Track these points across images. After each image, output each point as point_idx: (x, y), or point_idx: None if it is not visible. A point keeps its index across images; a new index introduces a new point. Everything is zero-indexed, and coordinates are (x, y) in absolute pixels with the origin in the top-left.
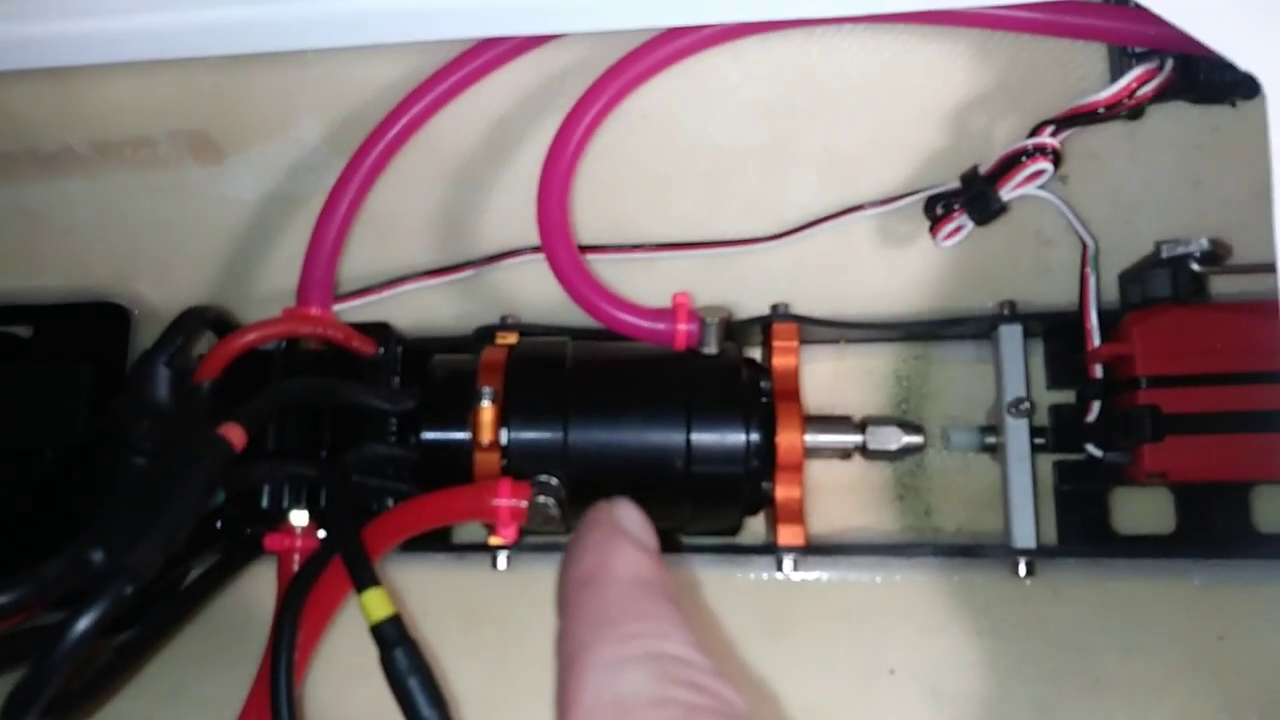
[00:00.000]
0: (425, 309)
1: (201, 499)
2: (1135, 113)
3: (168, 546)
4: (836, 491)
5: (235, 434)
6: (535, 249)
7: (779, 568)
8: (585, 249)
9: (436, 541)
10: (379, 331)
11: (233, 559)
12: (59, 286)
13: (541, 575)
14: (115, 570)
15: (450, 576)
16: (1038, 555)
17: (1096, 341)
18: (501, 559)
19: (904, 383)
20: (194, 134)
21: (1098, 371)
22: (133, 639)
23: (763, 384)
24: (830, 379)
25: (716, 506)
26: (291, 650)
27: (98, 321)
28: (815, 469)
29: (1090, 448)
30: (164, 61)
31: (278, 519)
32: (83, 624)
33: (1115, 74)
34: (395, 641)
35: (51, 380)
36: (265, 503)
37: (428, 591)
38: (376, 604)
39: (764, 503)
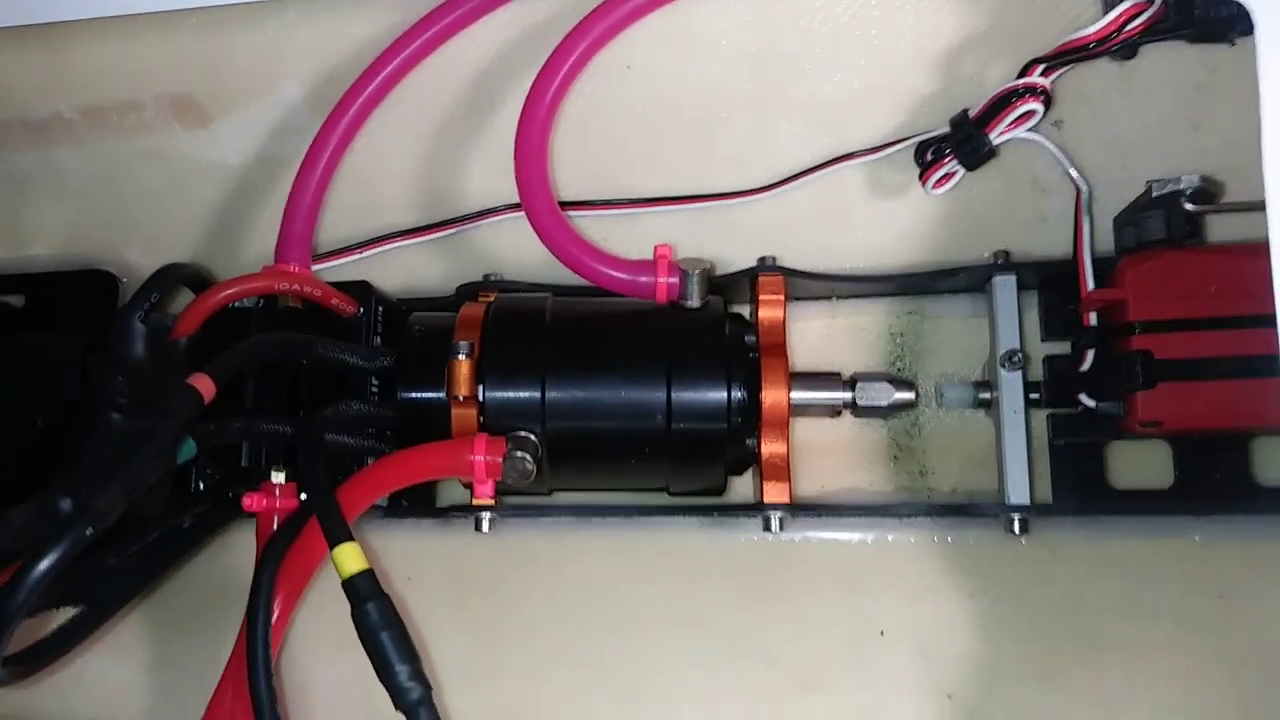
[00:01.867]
0: (408, 269)
1: (168, 447)
2: (1128, 50)
3: (132, 492)
4: (828, 452)
5: (204, 384)
6: (516, 206)
7: (766, 527)
8: (568, 205)
9: (420, 507)
10: (359, 290)
11: (211, 518)
12: (50, 255)
13: (525, 538)
14: (78, 514)
15: (435, 542)
16: (1032, 512)
17: (1090, 287)
18: (485, 521)
19: (898, 340)
20: (179, 97)
21: (1092, 319)
22: (108, 595)
23: (747, 338)
24: (821, 337)
25: (699, 464)
26: (269, 608)
27: (87, 289)
28: (806, 429)
29: (1084, 398)
30: (149, 21)
31: (257, 479)
32: (43, 564)
33: (1108, 11)
34: (367, 596)
35: (41, 349)
36: (244, 462)
37: (413, 558)
38: (348, 559)
39: (749, 461)
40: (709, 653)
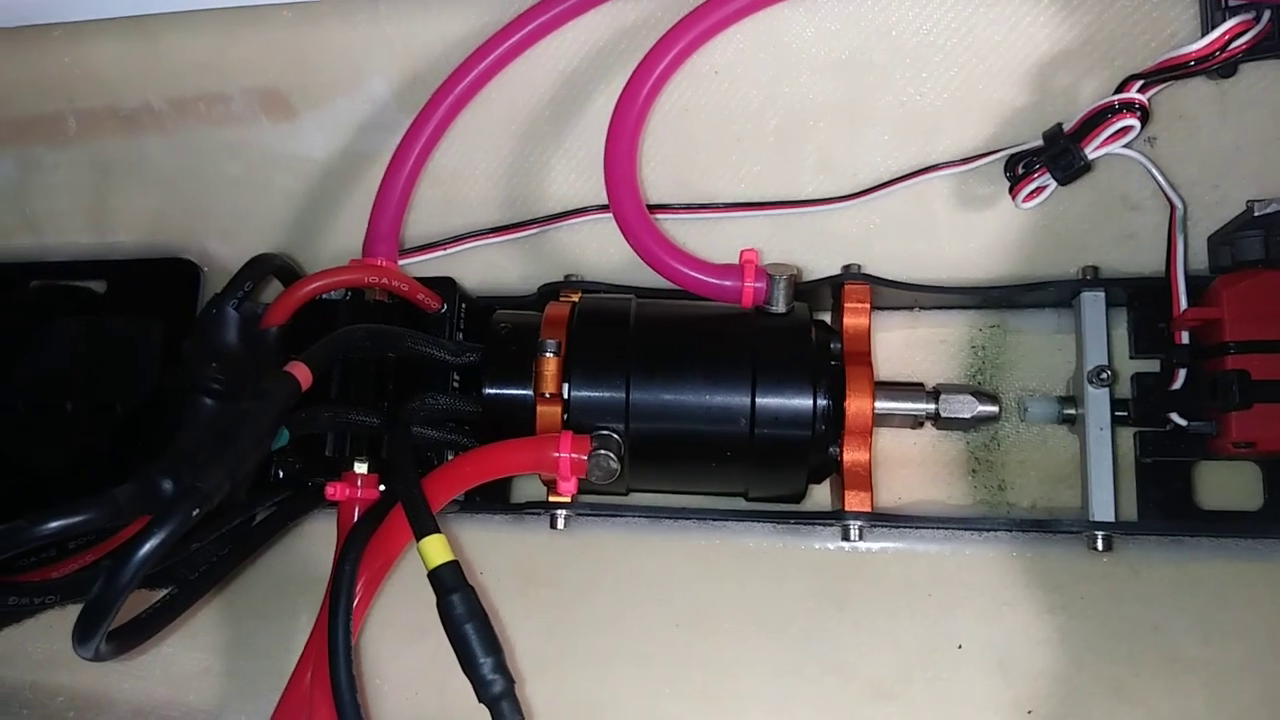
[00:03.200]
0: (490, 267)
1: (268, 433)
2: (1228, 69)
3: (234, 475)
4: (907, 464)
5: (301, 372)
6: (602, 207)
7: (845, 536)
8: (654, 209)
9: (496, 502)
10: (444, 286)
11: (294, 506)
12: (133, 243)
13: (599, 537)
14: (183, 495)
15: (509, 538)
16: (1116, 530)
17: (1184, 305)
18: (560, 519)
19: (979, 353)
20: (267, 91)
21: (1184, 338)
22: (196, 578)
23: (833, 345)
24: (903, 347)
25: (780, 471)
26: (350, 594)
27: (169, 277)
28: (886, 440)
29: (1174, 417)
30: (240, 15)
31: (340, 469)
32: (150, 544)
33: (1207, 27)
34: (453, 587)
35: (123, 336)
36: (329, 451)
37: (486, 553)
38: (435, 550)
39: (830, 469)
40: (781, 659)
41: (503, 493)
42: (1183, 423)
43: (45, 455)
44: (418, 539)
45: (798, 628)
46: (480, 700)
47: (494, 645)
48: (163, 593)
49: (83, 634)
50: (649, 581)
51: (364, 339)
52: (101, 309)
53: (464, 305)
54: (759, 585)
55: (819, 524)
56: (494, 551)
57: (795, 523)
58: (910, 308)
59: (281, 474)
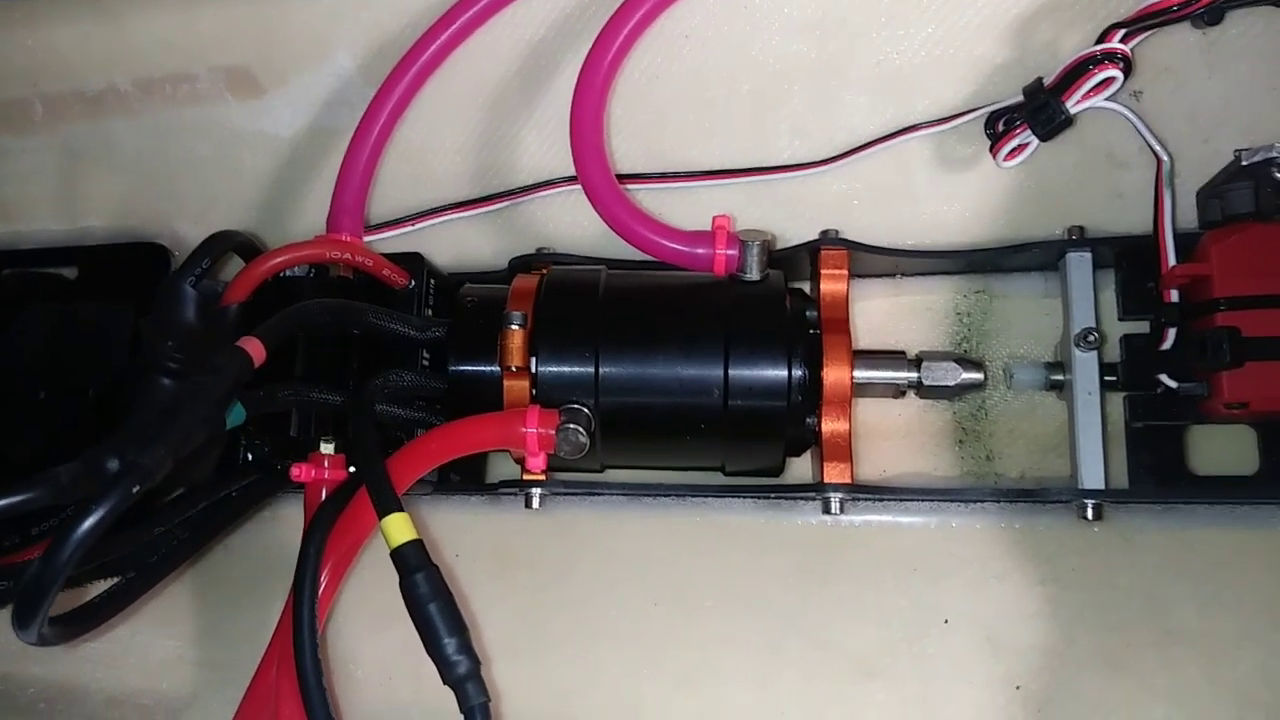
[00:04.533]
0: (459, 243)
1: (216, 408)
2: (1214, 14)
3: (179, 451)
4: (891, 436)
5: (253, 347)
6: (572, 179)
7: (826, 509)
8: (623, 178)
9: (470, 484)
10: (412, 262)
11: (258, 489)
12: (104, 227)
13: (576, 516)
14: (125, 471)
15: (485, 519)
16: (1106, 498)
17: (1172, 261)
18: (535, 498)
19: (964, 320)
20: (233, 69)
21: (1173, 296)
22: (156, 562)
23: (809, 313)
24: (885, 316)
25: (756, 443)
26: (316, 578)
27: (139, 262)
28: (869, 411)
29: (1164, 379)
30: None
31: (305, 450)
32: (90, 520)
33: None
34: (416, 566)
35: (93, 321)
36: (293, 432)
37: (462, 535)
38: (398, 529)
39: (809, 440)
40: (762, 636)
41: (478, 473)
42: (1173, 385)
43: (18, 441)
44: (380, 517)
45: (779, 604)
46: (445, 682)
47: (459, 625)
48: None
49: (21, 616)
50: (627, 560)
51: (321, 313)
52: (73, 295)
53: (433, 281)
54: (739, 562)
55: (799, 498)
56: (469, 534)
57: (775, 497)
58: (892, 275)
59: (250, 456)
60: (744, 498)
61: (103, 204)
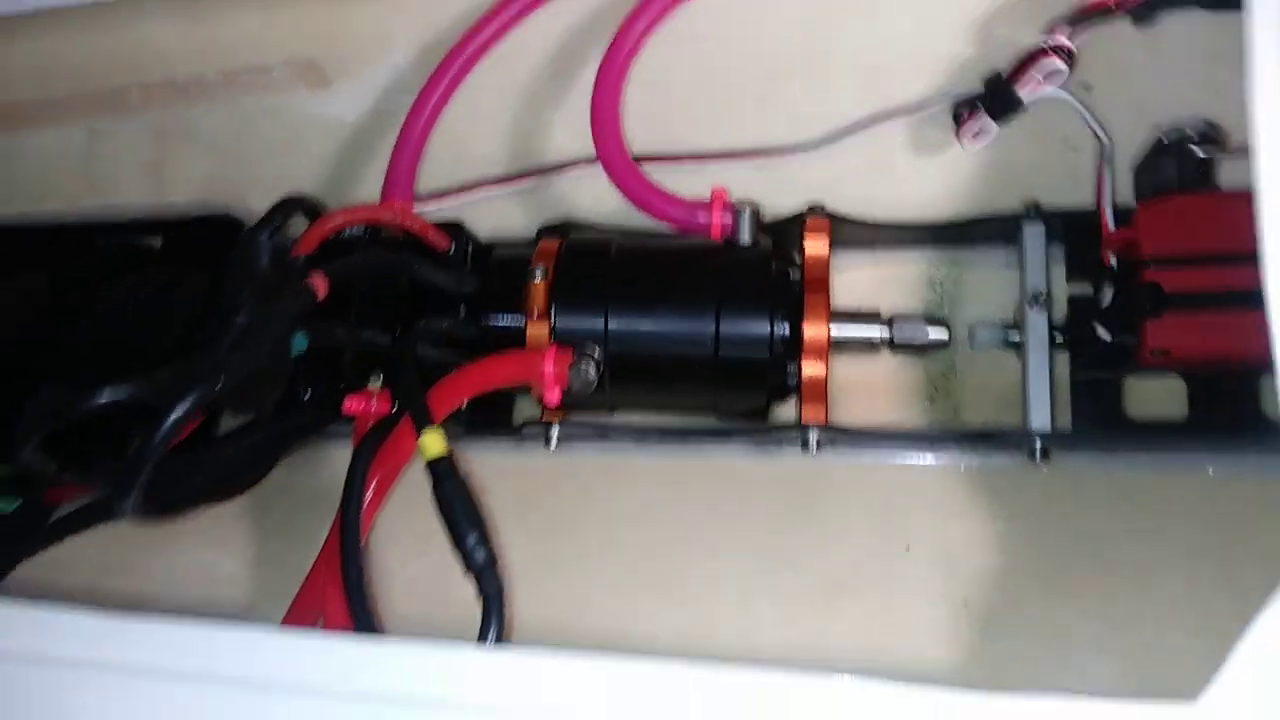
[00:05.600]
0: (495, 216)
1: (286, 327)
2: (1145, 13)
3: (253, 361)
4: (868, 391)
5: (319, 281)
6: (592, 159)
7: (804, 446)
8: (639, 159)
9: (499, 426)
10: (453, 229)
11: (318, 419)
12: (185, 202)
13: (586, 457)
14: (210, 370)
15: (509, 460)
16: (1052, 441)
17: (1111, 228)
18: (554, 440)
19: (937, 288)
20: (304, 62)
21: (1111, 260)
22: (229, 478)
23: (793, 274)
24: (865, 285)
25: (743, 388)
26: (360, 496)
27: (217, 233)
28: (847, 368)
29: (1100, 330)
30: None
31: (357, 387)
32: (183, 406)
33: None
34: (447, 473)
35: (175, 284)
36: (347, 374)
37: (489, 474)
38: (433, 443)
39: (791, 388)
40: (746, 558)
41: (506, 415)
42: (1106, 336)
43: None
44: (417, 433)
45: (762, 532)
46: (467, 570)
47: (481, 522)
48: None
49: (121, 488)
50: (631, 495)
51: (380, 261)
52: (157, 263)
53: (470, 246)
54: (728, 496)
55: (783, 440)
56: (496, 472)
57: (761, 439)
58: (870, 245)
59: (310, 392)
60: (733, 441)
61: (186, 181)
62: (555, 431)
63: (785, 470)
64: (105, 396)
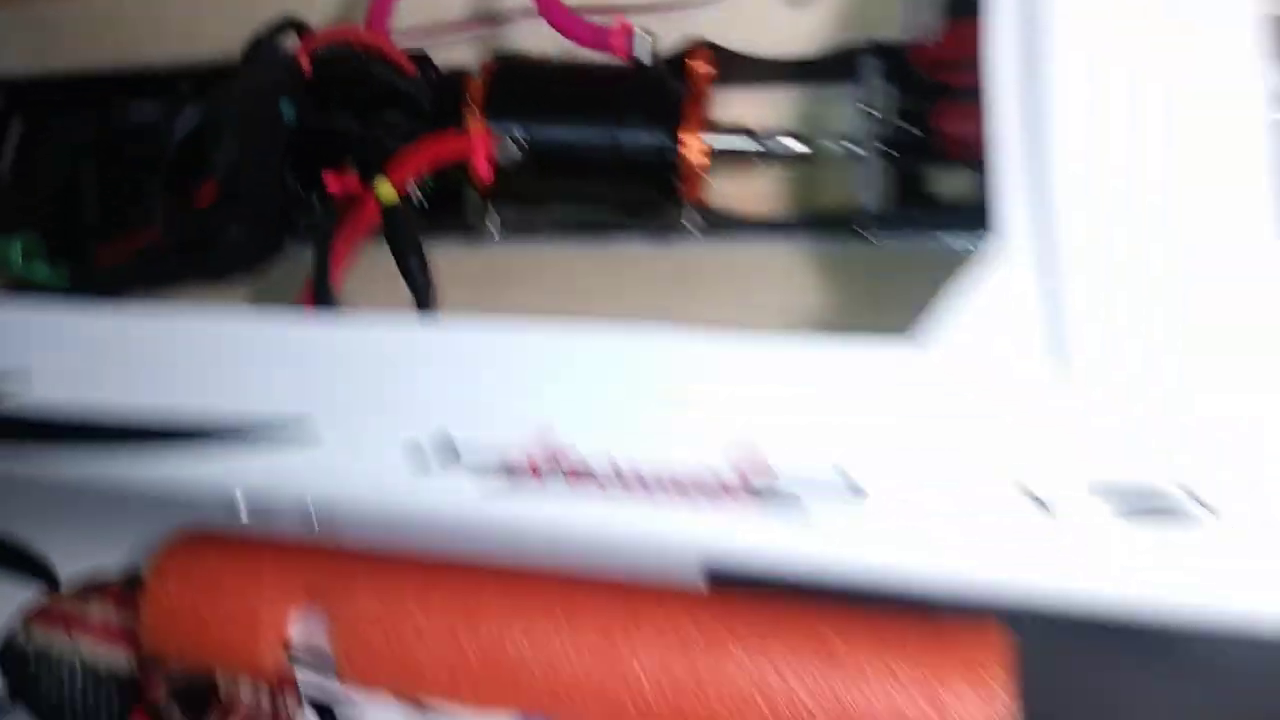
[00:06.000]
0: (459, 56)
1: (273, 90)
2: None
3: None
4: (741, 200)
5: (304, 58)
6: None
7: (686, 227)
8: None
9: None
10: (419, 58)
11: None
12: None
13: (523, 250)
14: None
15: (461, 255)
16: (874, 221)
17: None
18: (495, 230)
19: (808, 121)
20: None
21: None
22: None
23: (681, 90)
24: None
25: (640, 185)
26: (332, 235)
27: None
28: (727, 185)
29: (906, 125)
30: None
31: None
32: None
33: None
34: (395, 215)
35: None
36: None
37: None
38: (387, 191)
39: (676, 183)
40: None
41: (458, 216)
42: (906, 126)
43: None
44: (377, 188)
45: (655, 299)
46: (412, 289)
47: (420, 251)
48: None
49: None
50: (555, 278)
51: (355, 59)
52: None
53: (433, 73)
54: (630, 277)
55: (672, 229)
56: (450, 269)
57: (655, 229)
58: (747, 80)
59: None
60: (632, 232)
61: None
62: (496, 222)
63: (674, 256)
64: None
